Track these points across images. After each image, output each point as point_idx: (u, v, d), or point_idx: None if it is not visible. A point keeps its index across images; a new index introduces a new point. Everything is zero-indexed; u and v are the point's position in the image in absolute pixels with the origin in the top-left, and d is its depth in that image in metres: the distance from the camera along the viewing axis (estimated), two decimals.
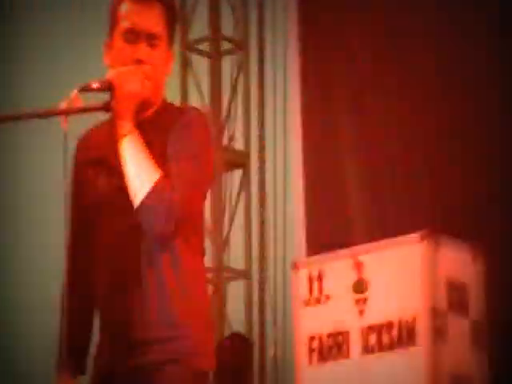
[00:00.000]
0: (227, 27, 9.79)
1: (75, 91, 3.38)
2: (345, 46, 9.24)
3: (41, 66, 10.81)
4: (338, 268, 6.17)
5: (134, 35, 3.31)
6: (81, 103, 3.27)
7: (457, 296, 5.83)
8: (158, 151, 3.34)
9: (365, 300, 5.95)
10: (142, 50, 3.58)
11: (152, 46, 3.64)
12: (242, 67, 9.73)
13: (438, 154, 8.53)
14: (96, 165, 3.33)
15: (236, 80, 9.76)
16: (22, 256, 8.52)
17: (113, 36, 3.26)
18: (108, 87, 3.02)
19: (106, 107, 3.05)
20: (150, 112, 3.61)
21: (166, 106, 3.67)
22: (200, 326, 3.12)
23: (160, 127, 3.31)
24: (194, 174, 3.17)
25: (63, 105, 3.28)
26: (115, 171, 3.16)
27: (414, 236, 5.84)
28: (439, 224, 6.83)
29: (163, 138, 3.24)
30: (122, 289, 3.16)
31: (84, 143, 3.33)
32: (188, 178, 3.15)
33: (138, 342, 3.59)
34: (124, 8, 3.68)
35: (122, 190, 3.05)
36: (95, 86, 2.99)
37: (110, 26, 3.32)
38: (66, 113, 3.21)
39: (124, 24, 3.65)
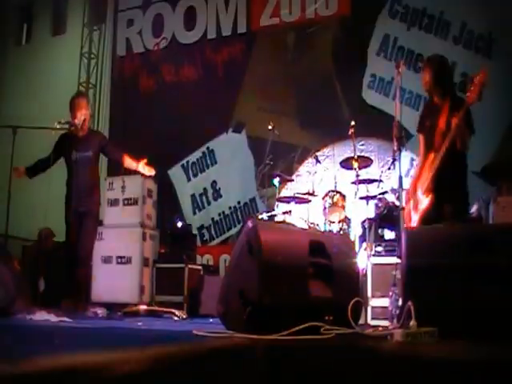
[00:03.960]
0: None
1: (60, 120, 5.90)
2: None
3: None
4: (116, 181, 7.66)
5: (78, 109, 5.96)
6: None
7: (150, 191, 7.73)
8: (87, 143, 6.03)
9: (123, 192, 7.59)
10: (82, 114, 6.01)
11: (85, 110, 6.03)
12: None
13: None
14: (71, 140, 6.01)
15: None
16: None
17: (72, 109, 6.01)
18: (71, 123, 5.93)
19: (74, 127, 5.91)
20: (84, 132, 6.11)
21: (89, 129, 6.31)
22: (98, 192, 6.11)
23: (88, 137, 6.09)
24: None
25: (56, 125, 5.90)
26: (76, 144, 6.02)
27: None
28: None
29: (90, 139, 6.06)
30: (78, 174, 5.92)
31: (64, 135, 6.09)
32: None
33: (84, 192, 5.93)
34: (76, 100, 6.10)
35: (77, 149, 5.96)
36: (63, 121, 5.91)
37: (70, 106, 6.07)
38: (58, 129, 5.97)
39: (76, 105, 6.01)
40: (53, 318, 4.39)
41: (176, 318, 5.90)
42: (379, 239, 6.28)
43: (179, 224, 8.33)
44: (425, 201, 4.54)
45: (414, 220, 4.64)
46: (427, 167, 4.63)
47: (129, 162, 6.23)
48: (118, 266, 7.37)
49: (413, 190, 4.77)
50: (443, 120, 4.61)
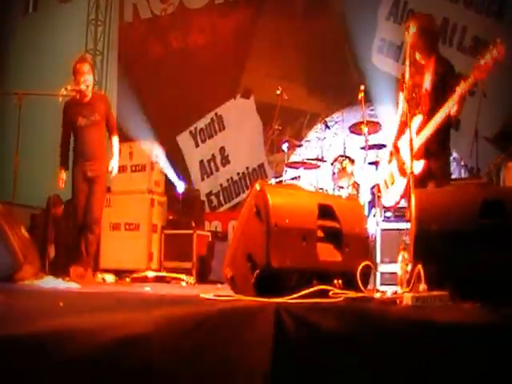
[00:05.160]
0: None
1: (66, 87, 5.85)
2: None
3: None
4: (124, 147, 7.19)
5: (81, 74, 5.97)
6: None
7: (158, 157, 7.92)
8: (92, 107, 6.03)
9: (131, 158, 7.59)
10: (86, 78, 6.02)
11: (88, 75, 5.99)
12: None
13: None
14: (77, 106, 6.00)
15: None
16: None
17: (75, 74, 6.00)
18: (78, 90, 5.90)
19: (78, 93, 5.89)
20: (88, 96, 6.02)
21: (94, 93, 6.17)
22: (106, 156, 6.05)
23: (93, 101, 6.05)
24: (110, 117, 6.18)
25: (63, 91, 5.81)
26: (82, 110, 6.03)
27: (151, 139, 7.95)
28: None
29: (95, 103, 6.03)
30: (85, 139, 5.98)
31: (68, 103, 6.07)
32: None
33: (93, 157, 5.96)
34: (79, 65, 6.01)
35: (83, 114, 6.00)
36: (69, 87, 5.87)
37: (74, 71, 6.01)
38: (65, 95, 5.88)
39: (79, 70, 6.00)
40: (61, 283, 4.38)
41: (184, 284, 5.90)
42: None
43: (181, 188, 8.16)
44: (417, 165, 4.38)
45: (401, 183, 4.53)
46: (415, 130, 4.38)
47: (113, 144, 6.21)
48: (126, 233, 7.35)
49: (396, 151, 4.67)
50: (429, 80, 4.49)
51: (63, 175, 6.00)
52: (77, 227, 5.92)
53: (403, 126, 4.60)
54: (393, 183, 4.67)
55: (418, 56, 4.64)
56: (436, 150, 4.45)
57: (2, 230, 4.65)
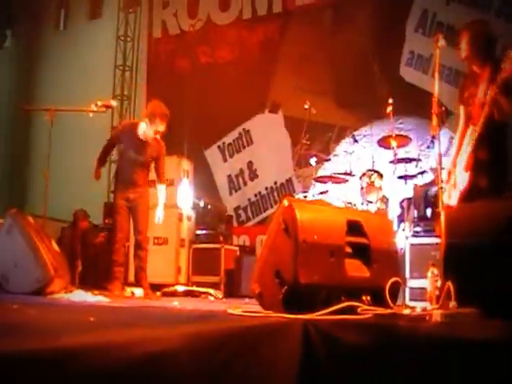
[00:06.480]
0: None
1: (96, 103, 5.82)
2: None
3: None
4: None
5: (162, 121, 5.93)
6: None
7: (187, 172, 8.35)
8: (146, 150, 5.96)
9: None
10: (161, 127, 5.95)
11: (163, 126, 5.99)
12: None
13: None
14: (131, 140, 5.96)
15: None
16: None
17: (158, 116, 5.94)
18: (108, 106, 6.06)
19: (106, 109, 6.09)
20: (151, 140, 5.97)
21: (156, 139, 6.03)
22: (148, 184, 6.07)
23: (149, 144, 5.97)
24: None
25: (93, 107, 5.82)
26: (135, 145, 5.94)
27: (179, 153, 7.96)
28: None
29: (151, 147, 5.97)
30: (132, 169, 5.95)
31: (123, 131, 6.11)
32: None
33: (135, 184, 5.99)
34: (165, 113, 6.02)
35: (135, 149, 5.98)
36: (100, 103, 5.85)
37: (158, 114, 5.96)
38: (95, 111, 5.87)
39: (163, 117, 5.97)
40: (90, 297, 4.43)
41: (212, 298, 5.91)
42: (422, 218, 6.14)
43: (201, 203, 8.20)
44: (465, 178, 4.35)
45: (454, 197, 4.46)
46: (466, 141, 4.37)
47: (160, 192, 6.21)
48: (155, 247, 7.38)
49: (453, 166, 4.52)
50: (482, 90, 4.33)
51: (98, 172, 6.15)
52: (117, 249, 5.99)
53: (462, 140, 4.50)
54: (449, 198, 4.51)
55: (474, 67, 4.52)
56: (485, 163, 4.29)
57: (33, 243, 4.74)
